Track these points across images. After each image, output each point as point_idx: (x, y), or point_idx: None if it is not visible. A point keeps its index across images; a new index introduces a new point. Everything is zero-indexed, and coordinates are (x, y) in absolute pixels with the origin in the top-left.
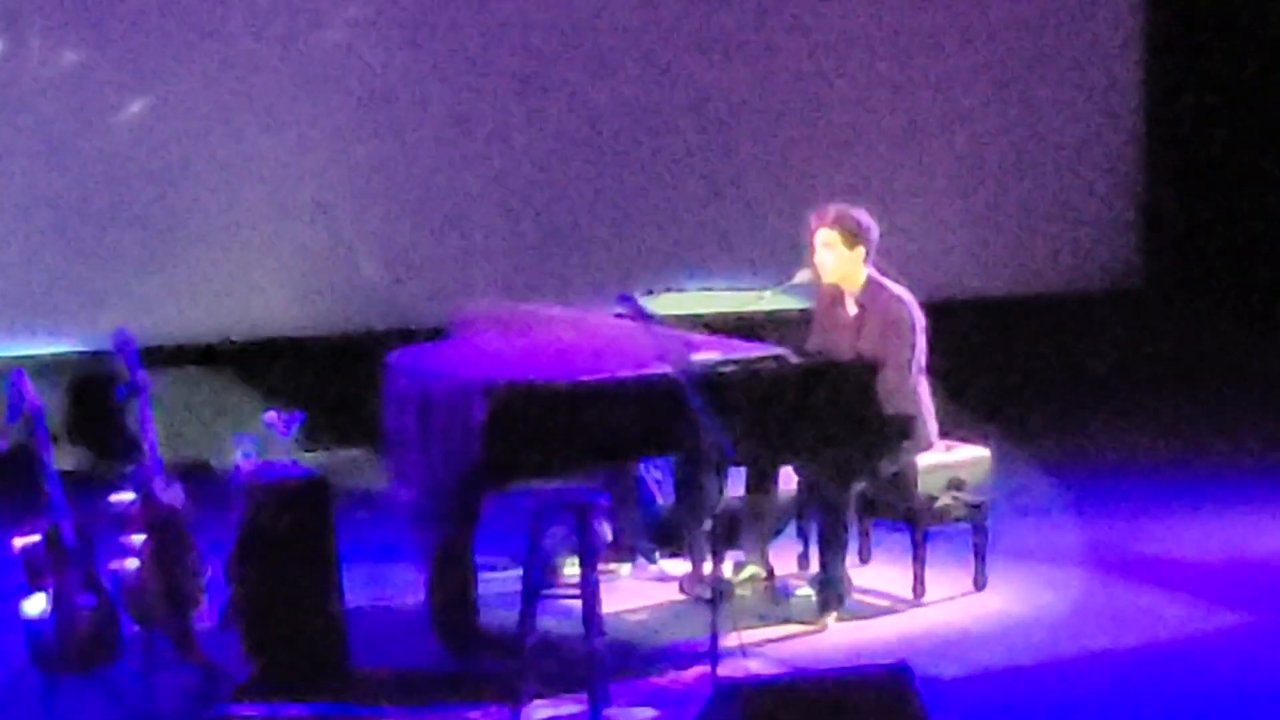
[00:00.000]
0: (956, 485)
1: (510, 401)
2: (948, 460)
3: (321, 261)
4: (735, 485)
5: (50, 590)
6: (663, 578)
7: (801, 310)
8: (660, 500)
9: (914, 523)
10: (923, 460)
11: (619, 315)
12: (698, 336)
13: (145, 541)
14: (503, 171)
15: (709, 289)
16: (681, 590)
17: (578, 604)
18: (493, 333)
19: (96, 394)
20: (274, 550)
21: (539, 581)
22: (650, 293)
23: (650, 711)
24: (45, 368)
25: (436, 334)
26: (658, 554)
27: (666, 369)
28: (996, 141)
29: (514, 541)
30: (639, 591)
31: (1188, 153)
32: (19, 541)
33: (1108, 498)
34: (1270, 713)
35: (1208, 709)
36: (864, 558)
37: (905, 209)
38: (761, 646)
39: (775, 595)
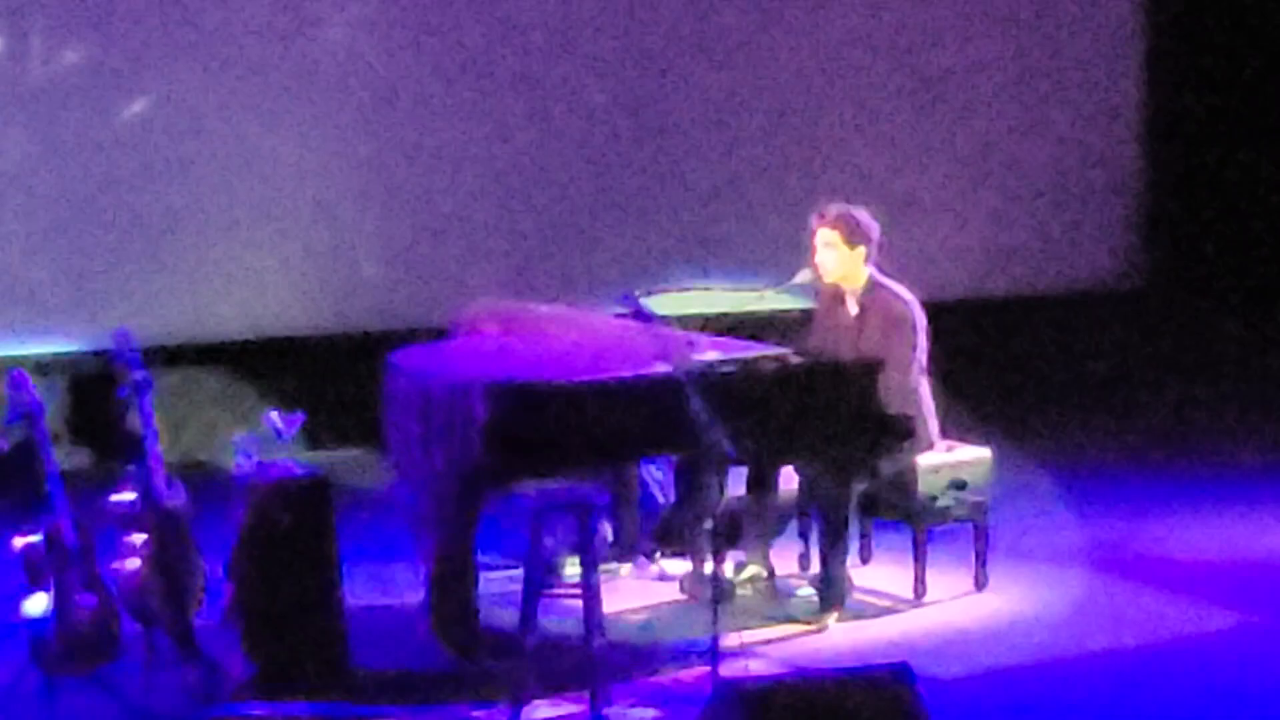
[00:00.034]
0: (957, 485)
1: (511, 401)
2: (949, 460)
3: (322, 261)
4: (736, 485)
5: (51, 590)
6: (663, 578)
7: (802, 310)
8: (661, 500)
9: (915, 523)
10: (924, 460)
11: (619, 315)
12: (698, 336)
13: (146, 541)
14: (503, 171)
15: (709, 289)
16: (682, 590)
17: (578, 604)
18: (493, 333)
19: (97, 394)
20: (275, 550)
21: (539, 581)
22: (650, 293)
23: (650, 711)
24: (45, 367)
25: (437, 334)
26: (658, 554)
27: (667, 369)
28: (997, 141)
29: (514, 541)
30: (639, 591)
31: (1189, 153)
32: (20, 541)
33: (1108, 498)
34: (1270, 713)
35: (1208, 709)
36: (865, 558)
37: (906, 209)
38: (762, 646)
39: (776, 595)
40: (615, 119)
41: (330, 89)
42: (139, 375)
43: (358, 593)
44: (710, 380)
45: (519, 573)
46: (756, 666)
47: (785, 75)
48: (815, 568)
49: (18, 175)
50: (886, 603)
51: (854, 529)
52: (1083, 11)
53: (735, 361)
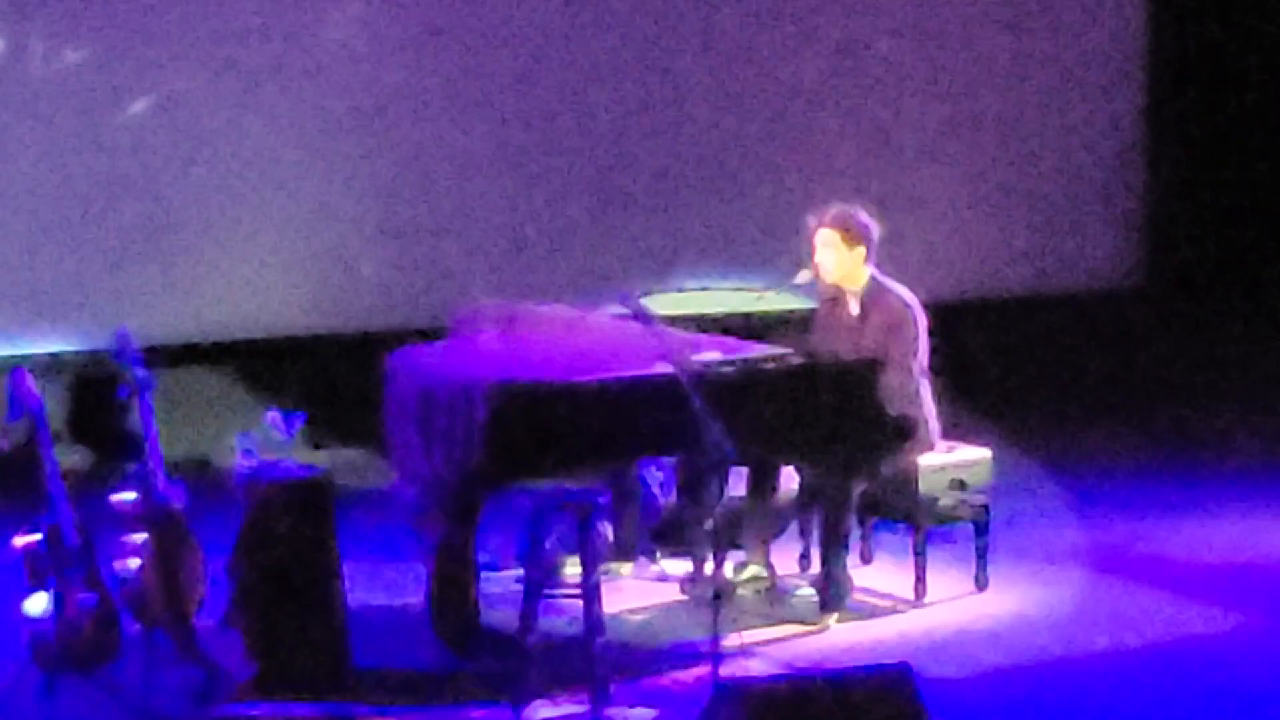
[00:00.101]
0: (958, 485)
1: (511, 401)
2: (949, 460)
3: (322, 261)
4: (736, 485)
5: (51, 589)
6: (663, 578)
7: (802, 310)
8: (661, 500)
9: (915, 523)
10: (924, 460)
11: (619, 315)
12: (698, 336)
13: (147, 541)
14: (503, 171)
15: (709, 289)
16: (682, 590)
17: (578, 604)
18: (493, 333)
19: (98, 393)
20: (275, 550)
21: (539, 581)
22: (650, 292)
23: (650, 711)
24: (46, 367)
25: (437, 334)
26: (659, 554)
27: (667, 369)
28: (998, 141)
29: (514, 541)
30: (639, 591)
31: (1190, 153)
32: (20, 541)
33: (1109, 498)
34: (1270, 713)
35: (1208, 709)
36: (865, 558)
37: (906, 209)
38: (762, 646)
39: (776, 595)
40: (616, 119)
41: (330, 89)
42: (139, 375)
43: (358, 593)
44: (710, 380)
45: (519, 573)
46: (756, 666)
47: (785, 75)
48: (815, 568)
49: (18, 175)
50: (887, 603)
51: (854, 529)
52: (1084, 12)
53: (735, 361)
